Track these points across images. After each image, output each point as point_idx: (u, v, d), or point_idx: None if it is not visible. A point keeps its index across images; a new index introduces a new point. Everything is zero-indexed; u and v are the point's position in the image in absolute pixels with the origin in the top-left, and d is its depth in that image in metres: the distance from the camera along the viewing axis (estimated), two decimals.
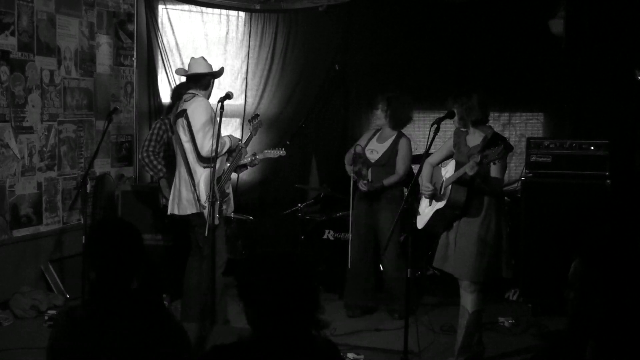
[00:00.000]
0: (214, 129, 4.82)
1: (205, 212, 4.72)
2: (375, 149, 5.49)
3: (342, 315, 5.54)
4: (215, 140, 4.62)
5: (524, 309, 5.57)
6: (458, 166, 4.28)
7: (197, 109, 4.82)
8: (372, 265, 5.61)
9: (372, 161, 5.46)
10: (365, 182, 5.37)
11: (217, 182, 4.72)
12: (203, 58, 5.09)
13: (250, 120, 5.27)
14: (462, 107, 4.30)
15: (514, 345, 4.90)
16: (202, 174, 4.83)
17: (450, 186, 4.27)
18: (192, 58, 5.12)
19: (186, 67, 5.19)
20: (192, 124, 4.80)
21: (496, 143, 4.01)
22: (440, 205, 4.36)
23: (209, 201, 4.63)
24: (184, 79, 6.85)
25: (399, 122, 5.46)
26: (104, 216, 6.03)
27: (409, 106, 5.49)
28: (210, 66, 5.07)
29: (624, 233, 5.37)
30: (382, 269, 5.60)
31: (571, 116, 6.46)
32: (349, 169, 5.56)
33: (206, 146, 4.75)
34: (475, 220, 4.26)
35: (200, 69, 5.02)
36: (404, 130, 5.55)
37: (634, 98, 5.99)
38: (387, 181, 5.35)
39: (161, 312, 2.42)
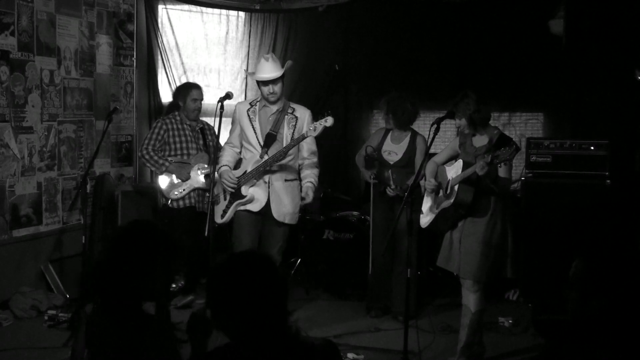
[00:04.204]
0: (231, 130, 5.04)
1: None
2: (393, 150, 5.40)
3: (342, 315, 5.54)
4: (215, 142, 4.61)
5: (524, 309, 5.57)
6: (465, 166, 4.25)
7: None
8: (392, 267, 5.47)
9: (391, 163, 5.37)
10: (393, 187, 5.27)
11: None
12: (264, 58, 4.90)
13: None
14: (469, 112, 4.24)
15: (514, 345, 4.90)
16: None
17: (457, 185, 4.26)
18: None
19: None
20: None
21: (507, 143, 4.01)
22: (446, 204, 4.35)
23: (209, 201, 4.66)
24: (184, 78, 6.92)
25: (402, 121, 5.35)
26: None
27: (410, 104, 5.35)
28: (254, 68, 5.09)
29: (624, 233, 5.39)
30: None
31: (571, 116, 6.47)
32: (365, 172, 5.49)
33: None
34: (481, 220, 4.26)
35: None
36: (415, 127, 5.47)
37: (634, 98, 6.00)
38: (411, 182, 5.26)
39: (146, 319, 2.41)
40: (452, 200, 4.29)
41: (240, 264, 2.09)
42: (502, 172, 4.20)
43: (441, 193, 4.49)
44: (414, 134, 5.42)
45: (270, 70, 4.80)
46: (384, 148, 5.44)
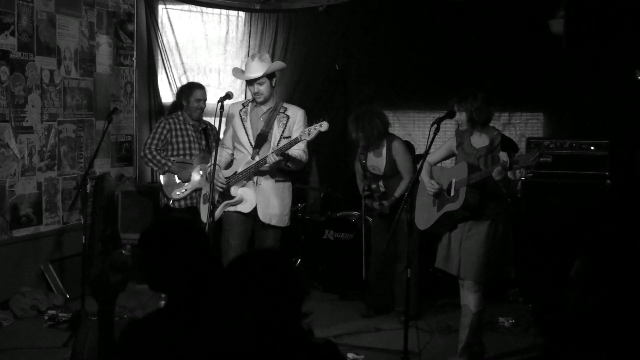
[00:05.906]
0: (224, 131, 4.96)
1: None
2: (375, 165, 5.36)
3: (342, 315, 5.55)
4: (215, 142, 4.60)
5: (524, 309, 5.57)
6: (470, 168, 4.20)
7: None
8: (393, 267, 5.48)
9: (379, 175, 5.36)
10: (380, 203, 5.29)
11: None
12: (251, 57, 4.84)
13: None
14: (472, 108, 4.21)
15: (514, 345, 4.90)
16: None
17: (464, 188, 4.21)
18: None
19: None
20: None
21: (514, 147, 4.01)
22: (452, 207, 4.28)
23: (209, 201, 4.65)
24: (184, 78, 6.93)
25: (373, 137, 5.22)
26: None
27: (378, 117, 5.23)
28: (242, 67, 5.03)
29: (624, 233, 5.39)
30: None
31: (571, 116, 6.46)
32: (359, 183, 5.50)
33: None
34: (484, 222, 4.23)
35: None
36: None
37: (634, 98, 6.00)
38: (398, 192, 5.24)
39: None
40: (459, 204, 4.23)
41: (259, 261, 2.10)
42: (509, 174, 4.15)
43: (435, 193, 4.44)
44: (390, 141, 5.30)
45: (253, 70, 4.70)
46: (368, 163, 5.41)
